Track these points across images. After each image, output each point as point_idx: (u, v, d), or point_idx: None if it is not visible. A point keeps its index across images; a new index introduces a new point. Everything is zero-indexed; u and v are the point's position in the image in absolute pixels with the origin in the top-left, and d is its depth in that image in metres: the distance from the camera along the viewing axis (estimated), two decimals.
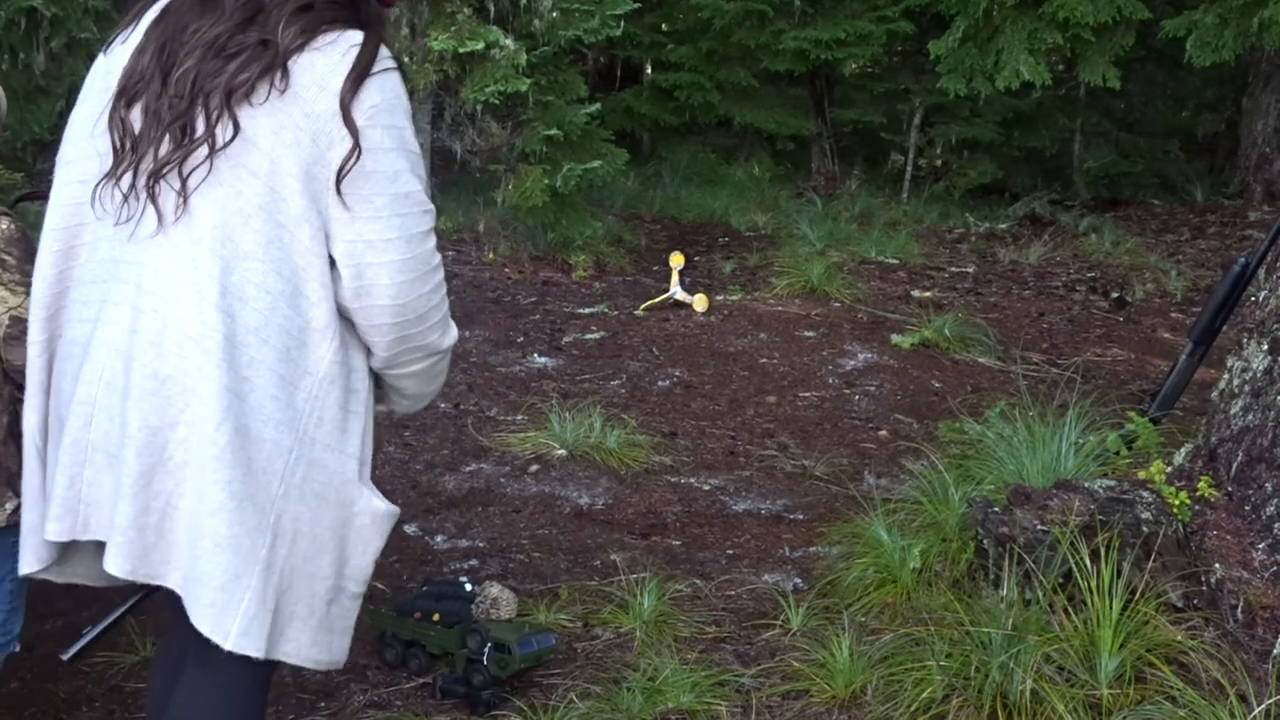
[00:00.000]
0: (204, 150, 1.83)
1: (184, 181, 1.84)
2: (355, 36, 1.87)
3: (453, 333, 2.07)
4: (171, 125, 1.85)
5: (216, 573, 1.84)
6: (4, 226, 2.26)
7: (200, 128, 1.84)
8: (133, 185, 1.88)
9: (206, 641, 1.97)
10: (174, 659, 2.15)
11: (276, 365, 1.85)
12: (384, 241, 1.87)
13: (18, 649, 2.49)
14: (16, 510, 2.26)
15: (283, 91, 1.82)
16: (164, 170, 1.85)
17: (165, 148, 1.86)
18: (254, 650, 1.87)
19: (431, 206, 1.94)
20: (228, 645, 1.86)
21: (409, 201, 1.89)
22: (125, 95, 1.91)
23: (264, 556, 1.86)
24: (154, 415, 1.84)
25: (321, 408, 1.90)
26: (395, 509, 2.04)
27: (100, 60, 2.00)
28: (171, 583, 1.89)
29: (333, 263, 1.88)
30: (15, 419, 2.27)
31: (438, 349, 2.04)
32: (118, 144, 1.90)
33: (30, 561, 2.02)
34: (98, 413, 1.88)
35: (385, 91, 1.87)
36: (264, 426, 1.85)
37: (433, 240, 1.95)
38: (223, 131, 1.83)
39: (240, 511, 1.84)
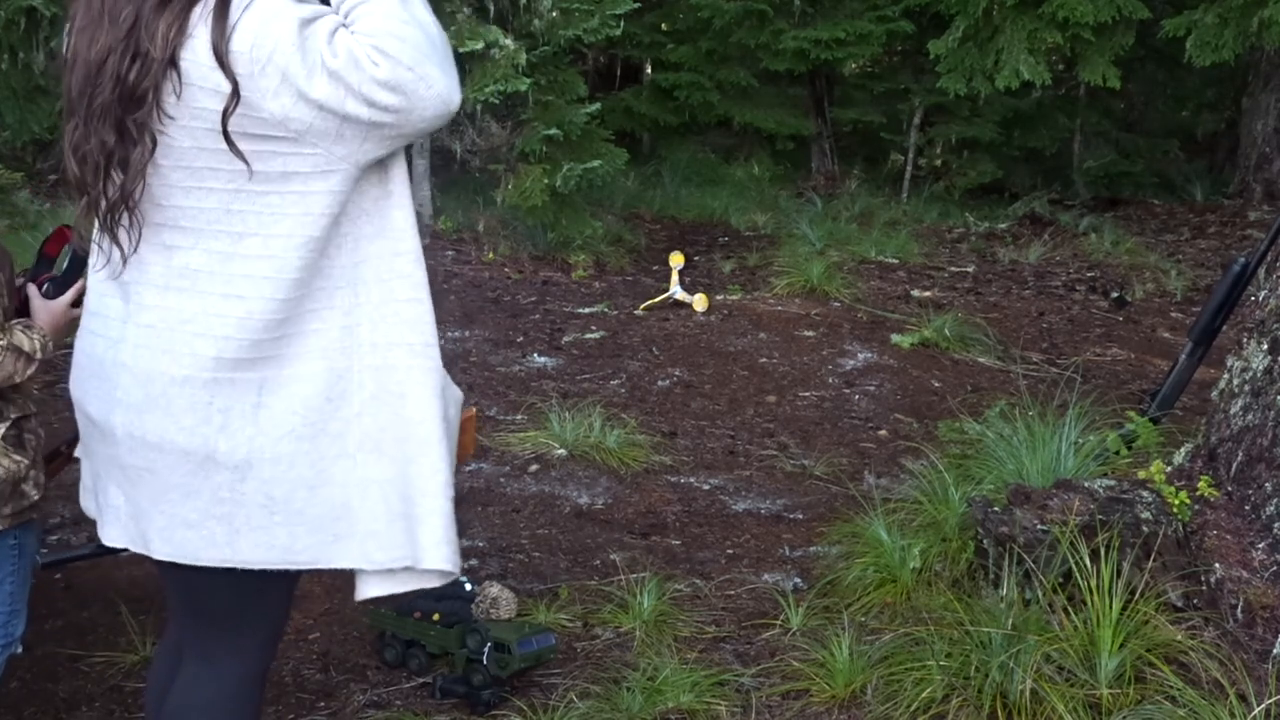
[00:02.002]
0: (140, 174, 1.81)
1: (130, 207, 1.84)
2: None
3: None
4: (111, 162, 1.82)
5: (330, 510, 1.91)
6: None
7: (131, 155, 1.80)
8: (99, 230, 1.90)
9: (204, 634, 2.01)
10: (173, 653, 2.16)
11: (299, 319, 1.86)
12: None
13: (20, 650, 2.49)
14: (21, 512, 2.27)
15: (179, 91, 1.77)
16: (117, 206, 1.84)
17: (114, 184, 1.83)
18: (448, 562, 1.99)
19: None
20: (424, 564, 1.97)
21: (323, 24, 1.74)
22: (71, 145, 1.88)
23: (359, 476, 1.91)
24: (187, 416, 1.86)
25: (360, 316, 1.89)
26: (458, 392, 2.04)
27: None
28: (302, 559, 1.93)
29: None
30: (24, 424, 2.28)
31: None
32: (77, 192, 1.89)
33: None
34: (119, 433, 1.92)
35: (259, 24, 1.73)
36: (308, 363, 1.87)
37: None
38: (144, 150, 1.80)
39: (317, 451, 1.88)
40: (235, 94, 1.73)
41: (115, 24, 1.79)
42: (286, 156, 1.80)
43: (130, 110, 1.79)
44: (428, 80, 1.74)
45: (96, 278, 1.99)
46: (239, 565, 1.90)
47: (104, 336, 1.96)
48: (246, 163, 1.78)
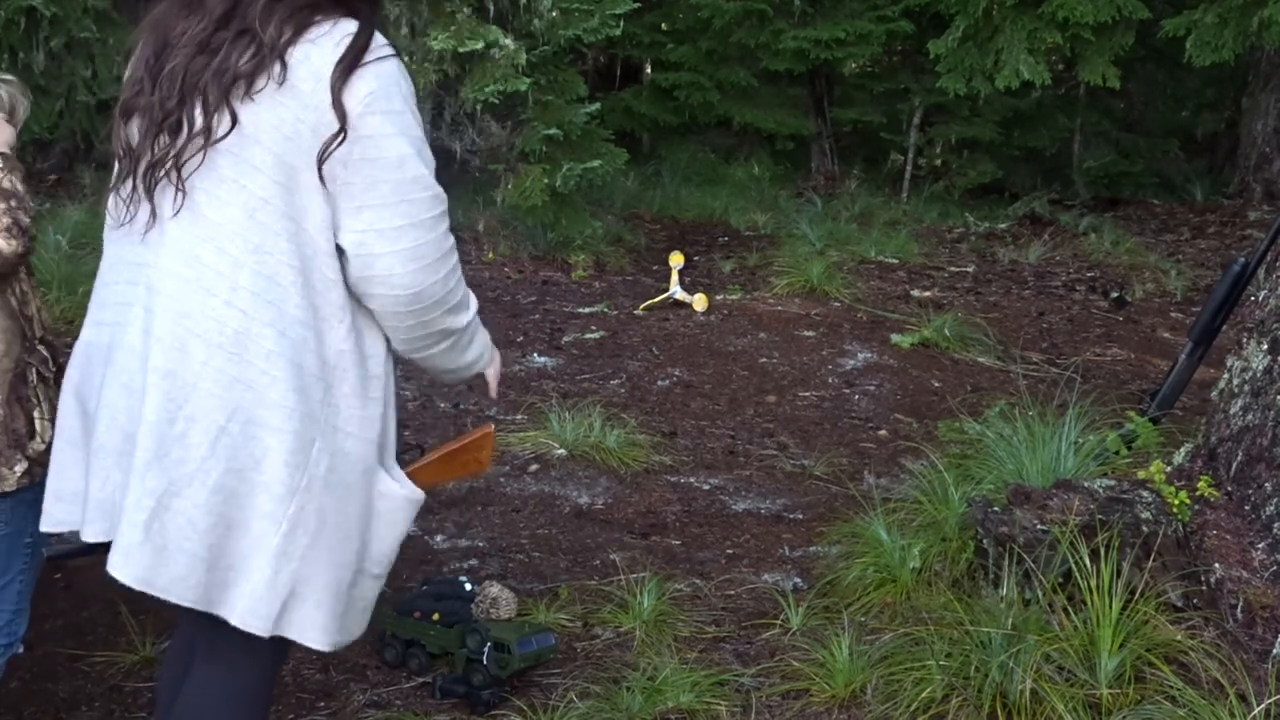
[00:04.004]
0: (199, 142, 1.85)
1: (180, 174, 1.87)
2: (349, 26, 1.87)
3: (471, 307, 2.06)
4: (164, 122, 1.88)
5: (228, 554, 1.87)
6: None
7: (196, 122, 1.86)
8: (134, 189, 1.92)
9: (213, 635, 2.00)
10: (183, 655, 2.16)
11: (294, 356, 1.87)
12: (394, 230, 1.86)
13: (22, 650, 2.49)
14: (26, 472, 2.25)
15: (280, 84, 1.83)
16: (159, 165, 1.88)
17: (159, 147, 1.88)
18: (258, 629, 1.89)
19: (441, 191, 1.92)
20: (234, 621, 1.89)
21: (416, 186, 1.87)
22: (124, 108, 1.96)
23: (276, 544, 1.87)
24: (154, 411, 1.85)
25: (338, 396, 1.91)
26: (418, 495, 2.06)
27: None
28: (187, 595, 1.89)
29: (341, 251, 1.89)
30: (22, 380, 2.26)
31: (455, 328, 2.03)
32: (120, 153, 1.95)
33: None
34: (118, 415, 1.91)
35: (382, 78, 1.86)
36: (286, 419, 1.86)
37: (444, 225, 1.93)
38: (219, 124, 1.85)
39: (252, 498, 1.86)
40: (342, 131, 1.82)
41: (207, 11, 1.88)
42: (318, 194, 1.85)
43: (220, 83, 1.83)
44: (444, 332, 2.01)
45: (110, 249, 1.99)
46: (128, 580, 1.87)
47: (110, 325, 1.95)
48: (325, 188, 1.85)
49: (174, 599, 1.89)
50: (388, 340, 1.99)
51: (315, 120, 1.83)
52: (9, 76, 2.40)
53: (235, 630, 1.99)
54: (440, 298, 1.95)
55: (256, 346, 1.85)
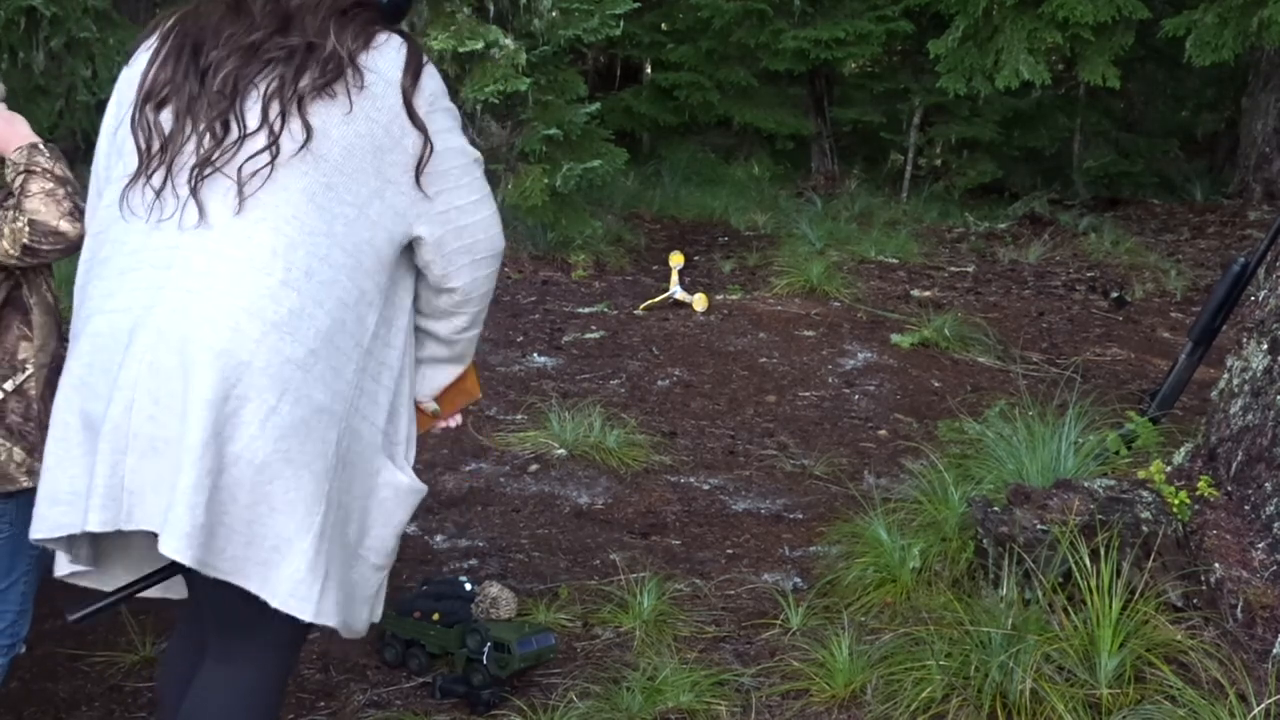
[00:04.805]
0: (265, 156, 1.89)
1: (240, 179, 1.89)
2: (400, 37, 2.05)
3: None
4: (212, 123, 1.92)
5: (270, 535, 1.87)
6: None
7: (250, 125, 1.91)
8: (166, 181, 1.92)
9: (227, 636, 2.01)
10: (184, 654, 2.16)
11: (336, 337, 1.91)
12: (473, 203, 2.09)
13: (23, 650, 2.49)
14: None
15: (361, 88, 1.96)
16: (209, 166, 1.90)
17: (205, 144, 1.91)
18: (302, 612, 1.89)
19: (478, 153, 2.17)
20: (275, 603, 1.89)
21: (476, 164, 2.13)
22: (152, 99, 1.97)
23: (318, 524, 1.89)
24: (208, 389, 1.83)
25: (363, 379, 1.97)
26: (420, 486, 2.09)
27: (124, 72, 2.06)
28: (223, 567, 1.88)
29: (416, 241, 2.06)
30: (57, 374, 2.23)
31: (488, 291, 2.20)
32: (144, 146, 1.95)
33: (63, 563, 2.02)
34: (139, 396, 1.85)
35: (434, 79, 2.06)
36: (326, 398, 1.89)
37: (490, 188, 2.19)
38: (290, 136, 1.91)
39: (298, 479, 1.87)
40: (428, 144, 2.01)
41: (257, 19, 1.99)
42: (383, 184, 1.97)
43: (293, 95, 1.92)
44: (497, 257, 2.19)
45: (124, 241, 1.95)
46: (187, 560, 1.84)
47: (127, 310, 1.90)
48: (420, 188, 2.04)
49: (223, 576, 1.88)
50: (407, 334, 2.09)
51: (387, 120, 1.97)
52: None
53: (244, 631, 2.00)
54: (502, 248, 2.19)
55: (308, 326, 1.87)
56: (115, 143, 2.01)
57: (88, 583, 2.06)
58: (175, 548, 1.83)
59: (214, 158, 1.90)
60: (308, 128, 1.90)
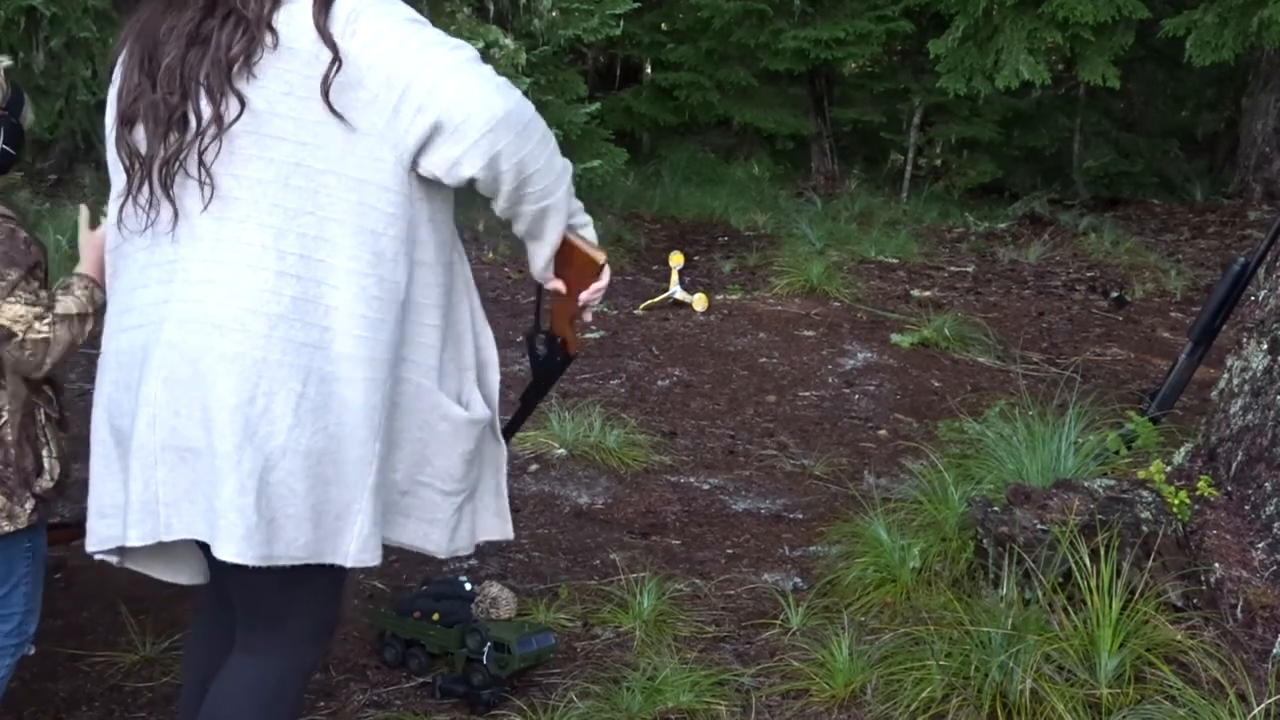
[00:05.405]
0: (212, 132, 1.87)
1: (204, 167, 1.88)
2: None
3: (560, 159, 2.00)
4: (170, 120, 1.89)
5: (333, 507, 1.92)
6: None
7: (204, 114, 1.88)
8: (152, 194, 1.93)
9: (247, 625, 2.04)
10: (208, 646, 2.19)
11: (353, 306, 1.89)
12: (447, 73, 1.84)
13: (32, 651, 2.49)
14: (35, 510, 2.28)
15: (274, 47, 1.86)
16: (172, 162, 1.89)
17: (171, 142, 1.90)
18: (371, 562, 1.96)
19: (460, 41, 1.91)
20: (347, 564, 1.94)
21: (442, 43, 1.87)
22: (124, 116, 1.97)
23: (373, 483, 1.93)
24: (230, 394, 1.85)
25: (406, 330, 1.96)
26: (479, 416, 2.09)
27: (110, 90, 2.05)
28: (300, 555, 1.92)
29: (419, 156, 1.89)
30: (31, 419, 2.28)
31: (556, 180, 1.98)
32: (127, 163, 1.96)
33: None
34: (160, 410, 1.89)
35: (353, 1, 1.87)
36: (355, 368, 1.89)
37: (490, 67, 1.91)
38: (228, 111, 1.87)
39: (343, 452, 1.90)
40: (336, 59, 1.83)
41: (191, 6, 1.90)
42: (348, 137, 1.87)
43: (220, 69, 1.86)
44: (545, 171, 1.95)
45: (133, 257, 1.98)
46: (251, 560, 1.87)
47: (141, 327, 1.94)
48: (341, 117, 1.85)
49: (288, 562, 1.91)
50: (444, 272, 2.02)
51: (316, 71, 1.86)
52: (7, 61, 2.38)
53: (268, 622, 2.02)
54: (527, 122, 1.90)
55: (314, 307, 1.87)
56: (111, 160, 2.02)
57: (163, 575, 2.12)
58: (234, 552, 1.87)
59: (178, 154, 1.89)
60: (241, 103, 1.86)
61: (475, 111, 1.85)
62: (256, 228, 1.87)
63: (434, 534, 2.12)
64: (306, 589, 2.00)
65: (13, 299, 2.14)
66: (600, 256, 2.17)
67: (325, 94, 1.84)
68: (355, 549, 1.94)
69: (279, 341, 1.85)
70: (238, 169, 1.88)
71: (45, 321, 2.15)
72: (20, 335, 2.14)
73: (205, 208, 1.89)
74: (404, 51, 1.85)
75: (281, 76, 1.86)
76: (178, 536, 1.92)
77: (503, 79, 1.90)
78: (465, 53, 1.89)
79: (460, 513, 2.14)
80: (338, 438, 1.90)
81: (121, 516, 1.95)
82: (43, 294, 2.18)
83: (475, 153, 1.87)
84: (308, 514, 1.90)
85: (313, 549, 1.92)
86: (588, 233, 2.17)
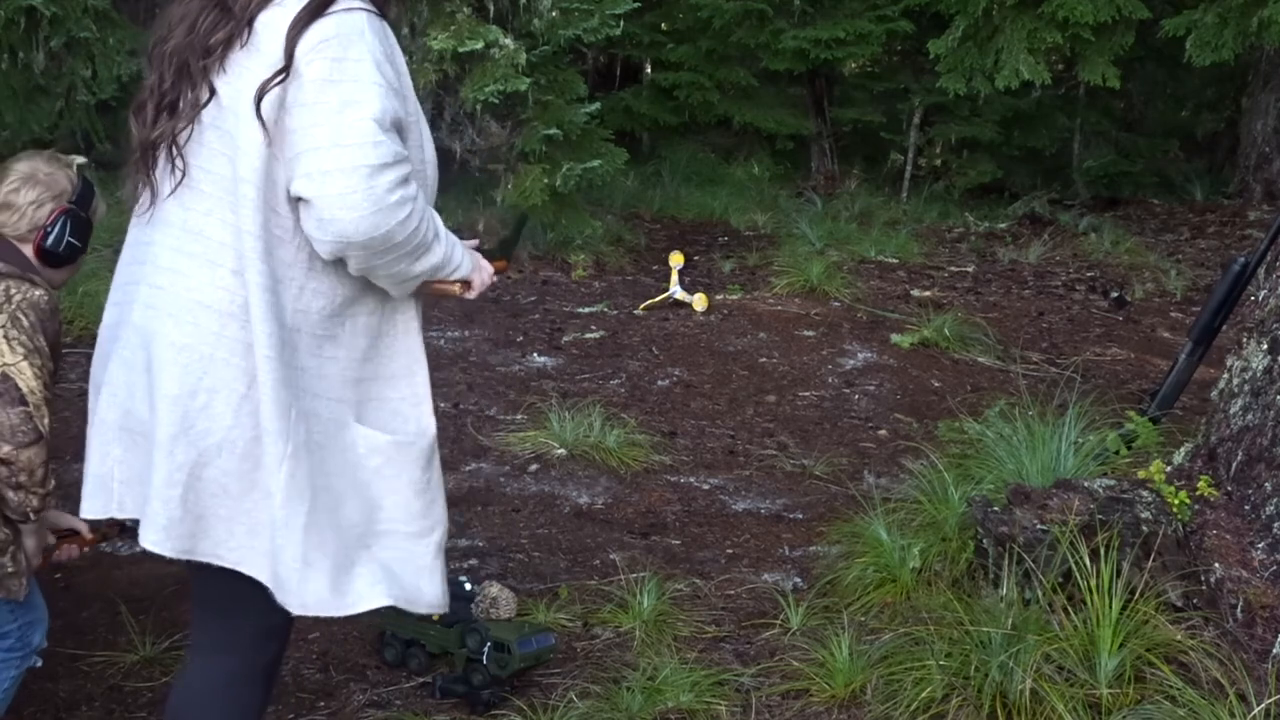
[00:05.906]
0: (189, 114, 1.90)
1: (177, 148, 1.91)
2: None
3: (434, 256, 1.95)
4: (162, 103, 1.93)
5: (267, 521, 1.90)
6: (36, 294, 2.30)
7: (188, 99, 1.92)
8: (137, 173, 1.97)
9: (208, 622, 2.05)
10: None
11: (270, 322, 1.87)
12: (346, 169, 1.78)
13: (39, 664, 2.49)
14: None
15: (245, 45, 1.86)
16: (156, 144, 1.92)
17: (160, 125, 1.93)
18: (286, 602, 1.92)
19: (385, 140, 1.81)
20: (281, 598, 1.92)
21: (355, 133, 1.79)
22: (137, 101, 2.00)
23: (280, 516, 1.88)
24: (173, 384, 1.87)
25: (301, 358, 1.92)
26: (406, 438, 2.01)
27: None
28: (229, 557, 1.92)
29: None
30: None
31: (408, 275, 1.95)
32: (135, 146, 1.99)
33: None
34: (118, 391, 1.94)
35: (342, 26, 1.83)
36: (273, 386, 1.88)
37: (392, 175, 1.81)
38: (202, 96, 1.90)
39: (255, 473, 1.89)
40: (283, 72, 1.81)
41: None
42: (267, 151, 1.86)
43: (197, 55, 1.88)
44: (398, 275, 1.93)
45: (130, 234, 2.02)
46: (169, 552, 1.89)
47: (118, 305, 1.99)
48: (266, 132, 1.82)
49: (216, 562, 1.91)
50: (344, 297, 1.95)
51: (267, 74, 1.84)
52: (80, 159, 2.43)
53: (220, 620, 2.02)
54: (389, 245, 1.86)
55: (257, 312, 1.87)
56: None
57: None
58: (153, 540, 1.89)
59: (162, 138, 1.92)
60: (211, 91, 1.88)
61: (340, 220, 1.80)
62: (219, 225, 1.89)
63: (419, 585, 2.05)
64: (253, 587, 1.96)
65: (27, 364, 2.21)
66: (455, 289, 2.12)
67: (258, 99, 1.82)
68: (282, 575, 1.91)
69: (228, 341, 1.87)
70: (205, 161, 1.90)
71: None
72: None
73: (173, 192, 1.91)
74: (332, 118, 1.79)
75: (244, 76, 1.87)
76: (128, 515, 1.95)
77: (396, 198, 1.82)
78: (378, 155, 1.79)
79: (441, 556, 2.08)
80: (264, 449, 1.88)
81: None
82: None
83: (324, 247, 1.85)
84: (243, 518, 1.89)
85: (243, 557, 1.90)
86: (456, 275, 2.09)
